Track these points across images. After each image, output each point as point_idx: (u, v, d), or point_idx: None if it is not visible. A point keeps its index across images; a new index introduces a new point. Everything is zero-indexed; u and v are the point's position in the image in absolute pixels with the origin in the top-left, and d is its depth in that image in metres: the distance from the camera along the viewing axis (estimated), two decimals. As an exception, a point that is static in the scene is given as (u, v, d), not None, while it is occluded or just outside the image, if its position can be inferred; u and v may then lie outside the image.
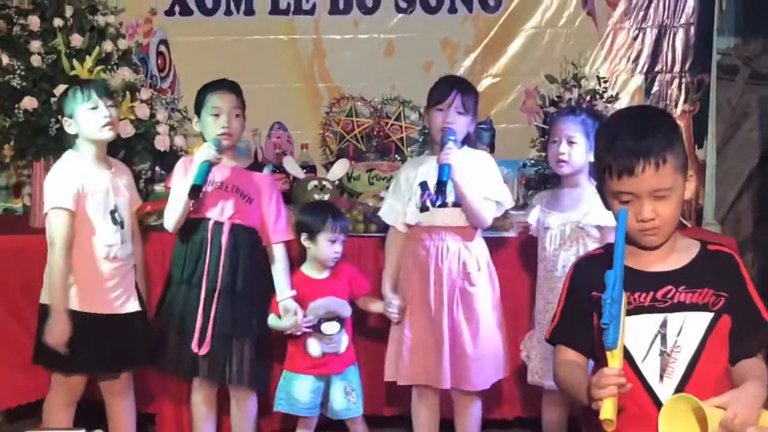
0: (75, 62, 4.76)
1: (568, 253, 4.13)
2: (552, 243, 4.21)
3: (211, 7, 6.20)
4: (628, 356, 2.40)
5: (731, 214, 6.72)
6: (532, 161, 5.21)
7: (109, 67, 4.88)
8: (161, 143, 4.90)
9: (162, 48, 6.19)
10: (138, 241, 4.31)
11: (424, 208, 4.20)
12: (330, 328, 4.22)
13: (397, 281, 4.33)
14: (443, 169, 4.01)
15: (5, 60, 4.79)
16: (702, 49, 6.14)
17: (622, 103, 5.49)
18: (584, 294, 2.53)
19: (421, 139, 5.64)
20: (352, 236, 4.65)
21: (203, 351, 4.11)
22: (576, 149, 4.16)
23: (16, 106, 4.72)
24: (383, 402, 4.62)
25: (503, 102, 6.24)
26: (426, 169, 4.22)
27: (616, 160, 2.38)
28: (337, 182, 5.28)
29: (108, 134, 4.08)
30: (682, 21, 6.14)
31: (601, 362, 2.38)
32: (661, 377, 2.40)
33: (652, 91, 6.15)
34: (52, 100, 4.68)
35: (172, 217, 4.15)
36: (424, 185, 4.21)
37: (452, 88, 4.20)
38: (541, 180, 5.15)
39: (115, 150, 4.48)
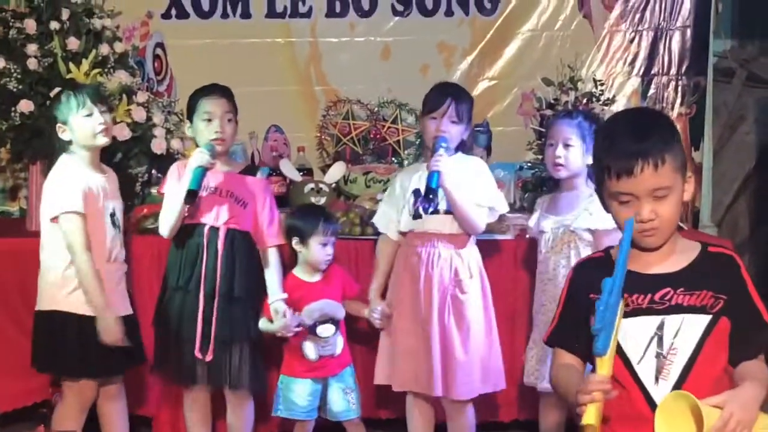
0: (71, 65, 4.75)
1: (559, 256, 4.14)
2: (545, 246, 4.22)
3: (208, 10, 6.20)
4: (624, 358, 2.40)
5: (728, 217, 6.74)
6: (529, 164, 5.21)
7: (106, 70, 4.88)
8: (158, 146, 4.90)
9: (158, 51, 6.19)
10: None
11: (416, 215, 4.20)
12: (325, 330, 4.22)
13: (385, 287, 4.33)
14: (433, 177, 4.02)
15: (1, 63, 4.78)
16: (698, 52, 6.15)
17: (619, 106, 5.48)
18: (583, 297, 2.53)
19: (417, 142, 5.64)
20: (348, 239, 4.67)
21: (208, 357, 4.11)
22: (572, 152, 4.16)
23: (13, 109, 4.71)
24: (379, 405, 4.62)
25: (500, 105, 6.24)
26: (420, 177, 4.22)
27: (615, 161, 2.37)
28: (333, 185, 5.28)
29: (102, 140, 4.07)
30: (679, 24, 6.15)
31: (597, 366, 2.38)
32: (657, 379, 2.39)
33: (649, 94, 6.16)
34: (49, 103, 4.67)
35: (167, 222, 4.14)
36: (417, 192, 4.21)
37: (446, 96, 4.20)
38: (537, 183, 5.14)
39: (112, 153, 4.48)
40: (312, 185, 5.16)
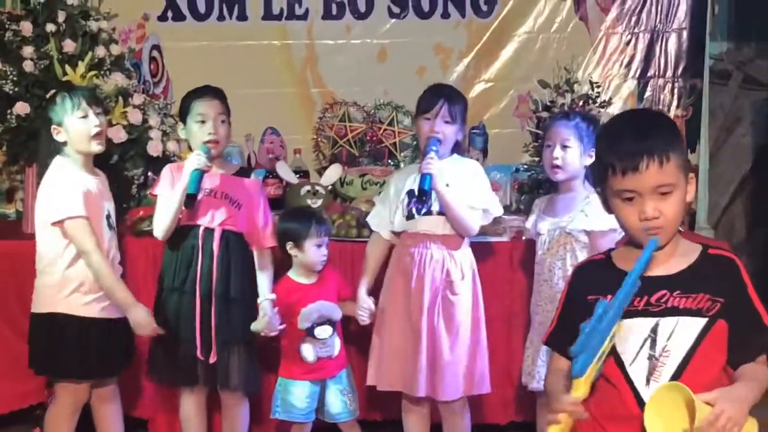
0: (67, 68, 4.75)
1: (555, 257, 4.14)
2: (541, 248, 4.22)
3: (204, 12, 6.19)
4: (617, 358, 2.40)
5: (724, 219, 6.74)
6: (525, 166, 5.21)
7: (102, 72, 4.88)
8: (154, 148, 4.90)
9: (155, 53, 6.18)
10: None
11: (409, 216, 4.21)
12: (323, 332, 4.22)
13: (372, 286, 4.33)
14: (425, 179, 4.03)
15: (-2, 65, 4.79)
16: (694, 54, 6.16)
17: (615, 108, 5.48)
18: (581, 300, 2.53)
19: (414, 144, 5.64)
20: (345, 241, 4.67)
21: (212, 359, 4.11)
22: (570, 153, 4.16)
23: (9, 111, 4.71)
24: (375, 406, 4.61)
25: (496, 107, 6.24)
26: (414, 178, 4.22)
27: (620, 158, 2.38)
28: (330, 187, 5.28)
29: (97, 147, 4.08)
30: (675, 26, 6.16)
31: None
32: (648, 381, 2.39)
33: (645, 96, 6.17)
34: (44, 104, 4.67)
35: (161, 224, 4.14)
36: (410, 193, 4.22)
37: (439, 97, 4.20)
38: (534, 185, 5.14)
39: (108, 155, 4.48)
40: (308, 187, 5.16)
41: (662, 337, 2.39)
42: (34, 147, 4.71)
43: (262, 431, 4.60)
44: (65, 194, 3.97)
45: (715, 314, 2.38)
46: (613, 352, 2.38)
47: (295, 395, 4.26)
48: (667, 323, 2.39)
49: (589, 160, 4.18)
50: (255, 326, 4.18)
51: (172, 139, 4.96)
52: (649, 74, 6.18)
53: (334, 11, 6.24)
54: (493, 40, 6.25)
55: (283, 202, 5.23)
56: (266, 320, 4.17)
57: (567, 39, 6.20)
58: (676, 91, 6.14)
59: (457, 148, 4.30)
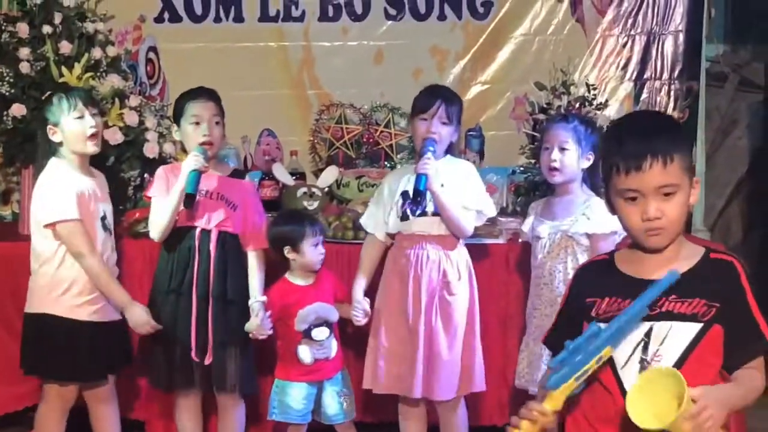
0: (64, 69, 4.74)
1: (556, 261, 4.14)
2: (542, 251, 4.21)
3: (201, 14, 6.20)
4: (610, 361, 2.39)
5: (721, 221, 6.75)
6: (522, 168, 5.21)
7: (98, 74, 4.87)
8: (150, 150, 4.89)
9: (151, 55, 6.19)
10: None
11: (404, 217, 4.21)
12: (320, 333, 4.21)
13: (367, 287, 4.32)
14: (420, 179, 4.03)
15: (-6, 67, 4.78)
16: (691, 57, 6.17)
17: (612, 111, 5.49)
18: (580, 301, 2.54)
19: (410, 146, 5.64)
20: (341, 243, 4.66)
21: (207, 360, 4.11)
22: (568, 156, 4.15)
23: (5, 113, 4.70)
24: (371, 408, 4.61)
25: (492, 109, 6.25)
26: (408, 179, 4.22)
27: (624, 157, 2.37)
28: (326, 189, 5.27)
29: (92, 148, 4.08)
30: (671, 28, 6.17)
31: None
32: None
33: (642, 99, 6.18)
34: (39, 107, 4.67)
35: (158, 226, 4.14)
36: (405, 194, 4.21)
37: (436, 97, 4.20)
38: (530, 187, 5.14)
39: (104, 157, 4.48)
40: (305, 189, 5.16)
41: (655, 342, 2.39)
42: (31, 149, 4.71)
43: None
44: (58, 196, 3.97)
45: (710, 319, 2.37)
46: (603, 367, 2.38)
47: (292, 397, 4.25)
48: (660, 328, 2.39)
49: (587, 163, 4.18)
50: (247, 327, 4.18)
51: (168, 141, 4.95)
52: (645, 76, 6.19)
53: (331, 13, 6.25)
54: (490, 42, 6.27)
55: (279, 204, 5.23)
56: (257, 322, 4.16)
57: (563, 41, 6.21)
58: (672, 93, 6.15)
59: (450, 149, 4.30)
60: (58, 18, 4.88)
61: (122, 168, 4.85)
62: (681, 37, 6.17)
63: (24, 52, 4.78)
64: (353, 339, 4.48)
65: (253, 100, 6.00)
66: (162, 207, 4.11)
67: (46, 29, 4.82)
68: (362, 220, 4.43)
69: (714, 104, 6.58)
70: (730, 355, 2.39)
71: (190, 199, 4.02)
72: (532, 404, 2.37)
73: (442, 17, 6.25)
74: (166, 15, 6.21)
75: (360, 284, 4.31)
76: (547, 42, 6.23)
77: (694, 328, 2.37)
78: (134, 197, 4.96)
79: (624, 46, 6.21)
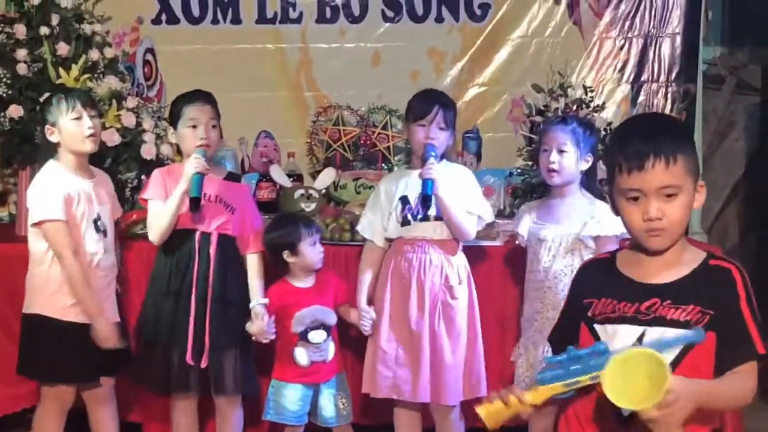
0: (61, 71, 4.74)
1: (561, 263, 4.13)
2: (548, 254, 4.19)
3: (198, 15, 6.19)
4: None
5: (717, 224, 6.76)
6: (519, 170, 5.21)
7: (96, 75, 4.88)
8: (147, 152, 4.89)
9: (148, 56, 6.19)
10: (118, 251, 4.32)
11: (405, 222, 4.21)
12: (317, 336, 4.21)
13: (372, 294, 4.32)
14: (427, 184, 4.03)
15: (-9, 68, 4.78)
16: (688, 59, 6.18)
17: (609, 113, 5.49)
18: (579, 300, 2.55)
19: (408, 148, 5.64)
20: (338, 245, 4.66)
21: (203, 364, 4.10)
22: (567, 158, 4.15)
23: (2, 114, 4.70)
24: (368, 411, 4.60)
25: (490, 111, 6.25)
26: (406, 183, 4.23)
27: (627, 157, 2.38)
28: (323, 191, 5.28)
29: (89, 146, 4.08)
30: (669, 31, 6.17)
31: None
32: None
33: (639, 101, 6.18)
34: (38, 108, 4.67)
35: (159, 229, 4.11)
36: (404, 199, 4.22)
37: (434, 103, 4.21)
38: (528, 189, 5.14)
39: (101, 158, 4.48)
40: (302, 191, 5.16)
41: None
42: (28, 150, 4.72)
43: (256, 432, 4.61)
44: (45, 196, 3.99)
45: (703, 327, 2.36)
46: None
47: (287, 398, 4.25)
48: (653, 333, 2.39)
49: (586, 165, 4.18)
50: (248, 328, 4.18)
51: (165, 143, 4.94)
52: (642, 79, 6.20)
53: (328, 15, 6.25)
54: (487, 44, 6.27)
55: (276, 205, 5.23)
56: (261, 325, 4.16)
57: (561, 43, 6.22)
58: (669, 95, 6.15)
59: (445, 154, 4.30)
60: (55, 19, 4.88)
61: (119, 169, 4.84)
62: (678, 39, 6.18)
63: (21, 53, 4.78)
64: (352, 342, 4.48)
65: (250, 102, 6.00)
66: (162, 210, 4.09)
67: (44, 30, 4.82)
68: (360, 228, 4.41)
69: (711, 107, 6.59)
70: (720, 360, 2.38)
71: (196, 203, 4.02)
72: (515, 389, 2.39)
73: (439, 19, 6.25)
74: (164, 17, 6.20)
75: (364, 292, 4.30)
76: (544, 44, 6.23)
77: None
78: (131, 199, 4.95)
79: (621, 48, 6.22)
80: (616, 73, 6.21)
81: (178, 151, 4.36)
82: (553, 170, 4.17)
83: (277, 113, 6.21)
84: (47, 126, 4.08)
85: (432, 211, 4.14)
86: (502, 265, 4.65)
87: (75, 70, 4.75)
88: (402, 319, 4.18)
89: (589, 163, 4.19)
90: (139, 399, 4.56)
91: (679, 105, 6.11)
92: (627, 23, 6.21)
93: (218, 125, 4.24)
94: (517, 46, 6.27)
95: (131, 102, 4.96)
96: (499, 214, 4.88)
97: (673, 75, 6.17)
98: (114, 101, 4.84)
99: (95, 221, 4.08)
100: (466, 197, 4.21)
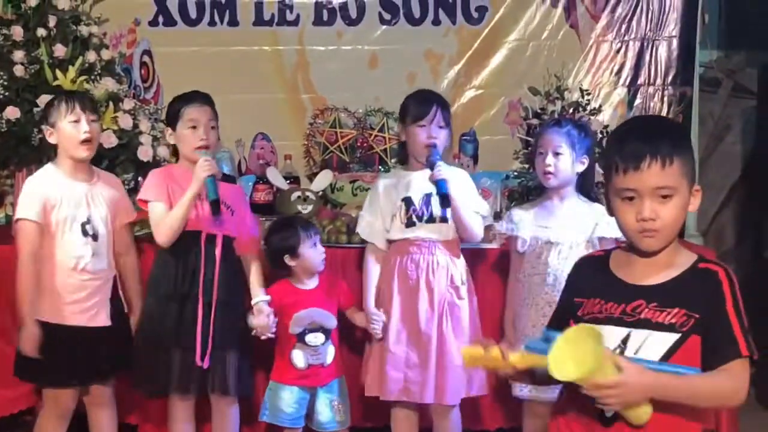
0: (58, 72, 4.75)
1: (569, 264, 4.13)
2: (557, 257, 4.18)
3: (195, 17, 6.19)
4: None
5: (713, 226, 6.75)
6: (516, 173, 5.22)
7: (93, 77, 4.88)
8: (144, 154, 4.89)
9: (145, 58, 6.18)
10: (129, 253, 4.29)
11: (410, 224, 4.22)
12: (314, 338, 4.22)
13: (377, 297, 4.32)
14: (441, 184, 4.06)
15: (-13, 70, 4.78)
16: (684, 62, 6.19)
17: (605, 116, 5.51)
18: (571, 298, 2.57)
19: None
20: (335, 247, 4.66)
21: (206, 364, 4.08)
22: (562, 160, 4.16)
23: (-1, 115, 4.71)
24: (361, 414, 4.60)
25: (486, 114, 6.25)
26: (407, 184, 4.25)
27: (623, 157, 2.39)
28: (320, 193, 5.28)
29: (83, 153, 4.07)
30: (665, 34, 6.18)
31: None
32: None
33: (635, 104, 6.19)
34: (35, 110, 4.68)
35: (170, 231, 4.07)
36: (408, 200, 4.23)
37: (432, 103, 4.23)
38: (524, 192, 5.14)
39: (98, 160, 4.47)
40: (299, 193, 5.16)
41: (631, 349, 2.39)
42: (24, 152, 4.73)
43: (253, 432, 4.61)
44: (24, 196, 4.04)
45: (688, 330, 2.36)
46: None
47: (284, 400, 4.25)
48: (637, 335, 2.40)
49: (581, 167, 4.19)
50: (252, 322, 4.18)
51: (162, 145, 4.95)
52: (639, 82, 6.20)
53: (325, 17, 6.25)
54: (484, 46, 6.27)
55: (273, 208, 5.23)
56: (265, 320, 4.17)
57: (557, 46, 6.22)
58: (666, 98, 6.16)
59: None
60: (52, 21, 4.89)
61: (116, 171, 4.83)
62: (675, 42, 6.18)
63: (18, 55, 4.79)
64: (355, 346, 4.48)
65: (247, 104, 6.00)
66: (173, 213, 4.06)
67: (41, 32, 4.84)
68: (360, 230, 4.39)
69: (707, 110, 6.59)
70: (706, 362, 2.37)
71: (216, 206, 4.03)
72: (504, 346, 2.39)
73: (436, 22, 6.25)
74: (161, 18, 6.20)
75: (371, 295, 4.30)
76: (541, 47, 6.23)
77: (671, 338, 2.37)
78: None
79: (618, 51, 6.22)
80: (613, 76, 6.22)
81: (173, 153, 4.34)
82: (549, 173, 4.17)
83: (274, 115, 6.21)
84: (47, 127, 4.09)
85: (437, 212, 4.18)
86: (498, 267, 4.65)
87: (72, 71, 4.76)
88: (411, 320, 4.19)
89: (585, 165, 4.20)
90: (135, 401, 4.55)
91: (675, 108, 6.11)
92: (624, 26, 6.21)
93: (217, 126, 4.24)
94: (513, 48, 6.27)
95: (128, 104, 4.97)
96: (496, 216, 4.87)
97: (670, 78, 6.17)
98: (111, 103, 4.85)
99: (83, 224, 4.06)
100: (469, 198, 4.23)
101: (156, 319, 4.15)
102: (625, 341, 2.40)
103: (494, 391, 4.52)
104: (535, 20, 6.24)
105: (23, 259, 3.99)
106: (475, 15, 6.25)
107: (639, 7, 6.19)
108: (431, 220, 4.20)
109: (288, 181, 5.39)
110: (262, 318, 4.17)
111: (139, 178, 4.94)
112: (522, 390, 4.18)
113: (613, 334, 2.40)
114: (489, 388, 4.33)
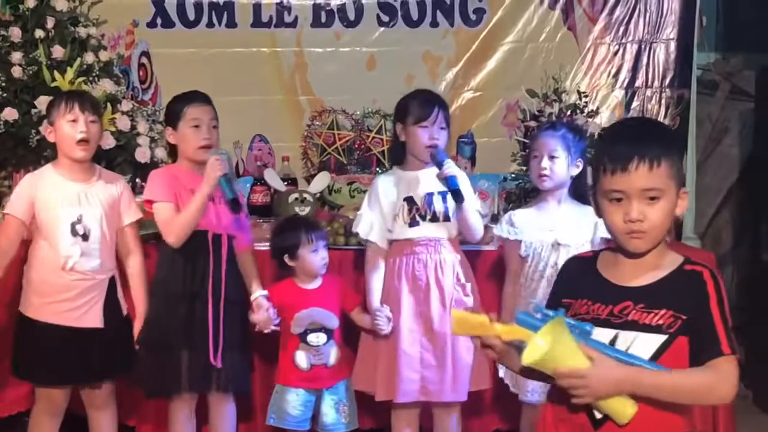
0: (56, 74, 4.75)
1: None
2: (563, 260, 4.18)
3: (193, 19, 6.20)
4: None
5: (711, 229, 6.76)
6: (513, 175, 5.22)
7: (91, 78, 4.88)
8: (142, 155, 4.89)
9: (143, 60, 6.19)
10: (134, 254, 4.25)
11: (413, 223, 4.22)
12: (316, 338, 4.22)
13: (382, 298, 4.30)
14: (452, 180, 4.09)
15: (-14, 71, 4.79)
16: (682, 65, 6.20)
17: (603, 118, 5.52)
18: (558, 299, 2.58)
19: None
20: (332, 249, 4.65)
21: (219, 364, 4.08)
22: (557, 164, 4.18)
23: (-3, 117, 4.71)
24: (362, 414, 4.59)
25: (484, 116, 6.26)
26: (408, 184, 4.24)
27: (611, 158, 2.40)
28: (318, 195, 5.28)
29: (79, 154, 4.05)
30: (663, 36, 6.19)
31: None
32: None
33: (633, 106, 6.20)
34: (33, 111, 4.68)
35: (182, 232, 4.04)
36: (410, 200, 4.23)
37: (434, 104, 4.23)
38: (521, 194, 5.15)
39: (96, 161, 4.46)
40: (296, 195, 5.16)
41: None
42: (22, 153, 4.73)
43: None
44: (14, 193, 4.12)
45: (675, 331, 2.37)
46: None
47: (290, 402, 4.25)
48: (625, 336, 2.40)
49: (576, 171, 4.20)
50: (253, 318, 4.19)
51: (160, 146, 4.95)
52: (636, 84, 6.21)
53: (323, 19, 6.26)
54: (482, 49, 6.28)
55: (270, 209, 5.23)
56: (266, 315, 4.18)
57: (555, 48, 6.23)
58: (663, 101, 6.17)
59: None
60: (50, 22, 4.89)
61: (114, 172, 4.84)
62: (672, 45, 6.19)
63: (16, 56, 4.79)
64: (357, 347, 4.47)
65: (245, 106, 6.00)
66: (185, 213, 4.04)
67: (39, 33, 4.84)
68: (361, 230, 4.32)
69: (705, 112, 6.60)
70: (693, 361, 2.37)
71: (235, 204, 4.02)
72: (494, 322, 2.45)
73: (434, 24, 6.26)
74: (159, 20, 6.20)
75: (375, 294, 4.27)
76: (538, 49, 6.24)
77: (658, 339, 2.38)
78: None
79: (615, 54, 6.23)
80: (611, 78, 6.23)
81: (170, 154, 4.33)
82: (545, 176, 4.19)
83: (271, 117, 6.22)
84: (47, 125, 4.11)
85: (440, 210, 4.20)
86: (496, 269, 4.64)
87: (70, 73, 4.76)
88: (423, 320, 4.19)
89: (580, 168, 4.21)
90: (133, 402, 4.55)
91: (673, 110, 6.12)
92: (621, 29, 6.22)
93: (217, 126, 4.24)
94: (511, 51, 6.28)
95: (126, 105, 4.97)
96: (493, 218, 4.88)
97: (668, 80, 6.18)
98: (109, 104, 4.84)
99: (72, 224, 4.03)
100: (470, 197, 4.25)
101: (164, 319, 4.13)
102: (612, 342, 2.40)
103: (492, 393, 4.53)
104: (533, 22, 6.25)
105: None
106: (473, 17, 6.26)
107: (637, 10, 6.21)
108: (434, 218, 4.21)
109: (285, 183, 5.38)
110: (261, 312, 4.18)
111: (137, 180, 4.94)
112: (522, 393, 4.20)
113: (600, 336, 2.40)
114: (492, 381, 4.35)
